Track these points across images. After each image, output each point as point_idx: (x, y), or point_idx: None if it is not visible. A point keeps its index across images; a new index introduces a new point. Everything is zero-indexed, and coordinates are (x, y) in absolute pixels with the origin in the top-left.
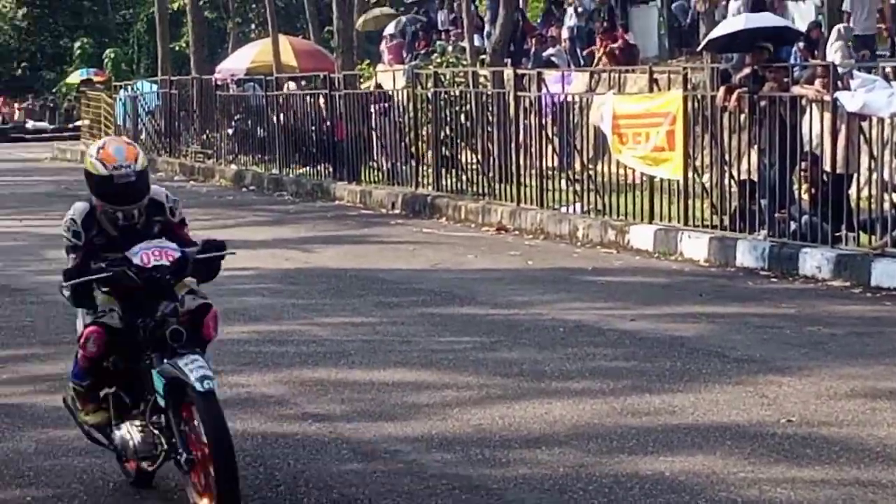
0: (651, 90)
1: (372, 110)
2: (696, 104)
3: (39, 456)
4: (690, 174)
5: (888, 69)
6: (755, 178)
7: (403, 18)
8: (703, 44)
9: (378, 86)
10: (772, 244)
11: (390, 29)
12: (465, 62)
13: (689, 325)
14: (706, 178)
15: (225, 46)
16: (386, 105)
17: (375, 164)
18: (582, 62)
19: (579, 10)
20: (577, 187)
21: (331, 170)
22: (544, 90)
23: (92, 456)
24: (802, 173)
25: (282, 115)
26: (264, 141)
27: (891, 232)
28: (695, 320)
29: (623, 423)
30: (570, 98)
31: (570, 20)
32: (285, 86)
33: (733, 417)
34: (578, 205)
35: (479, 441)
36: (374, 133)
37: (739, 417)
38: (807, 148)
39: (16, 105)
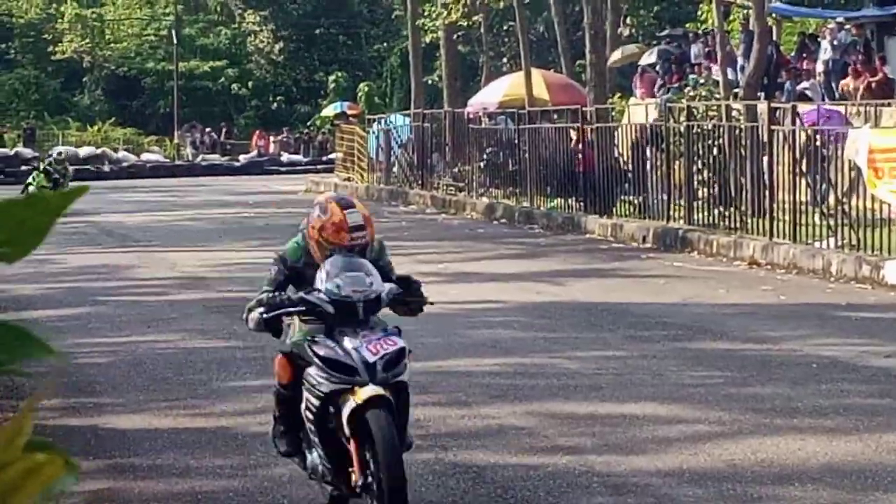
0: None
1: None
2: None
3: (293, 484)
4: None
5: None
6: None
7: (656, 50)
8: None
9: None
10: None
11: (644, 61)
12: (718, 95)
13: None
14: None
15: (477, 80)
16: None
17: (627, 198)
18: (836, 96)
19: (834, 42)
20: (831, 222)
21: (582, 203)
22: (799, 124)
23: None
24: None
25: (533, 148)
26: (515, 174)
27: None
28: None
29: (877, 460)
30: (825, 132)
31: (825, 53)
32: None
33: None
34: (832, 239)
35: (731, 476)
36: (626, 167)
37: None
38: None
39: (271, 138)
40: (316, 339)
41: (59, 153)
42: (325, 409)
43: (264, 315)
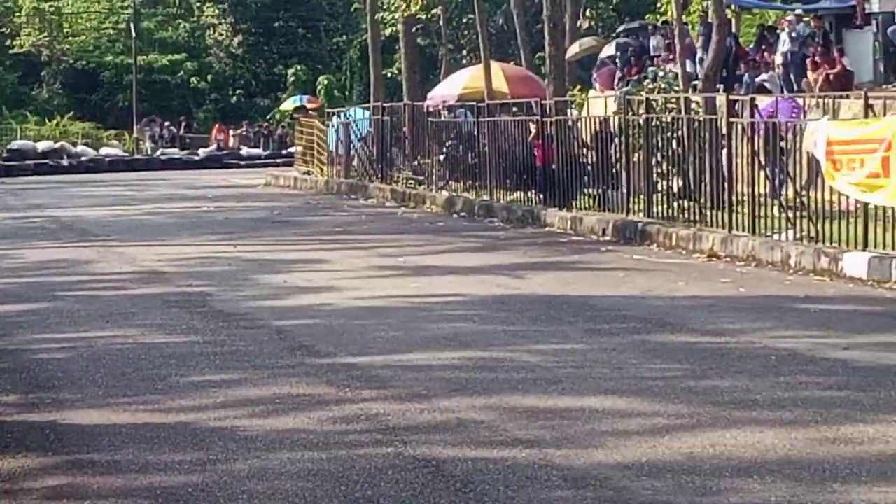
0: (866, 116)
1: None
2: None
3: (253, 479)
4: None
5: None
6: None
7: (615, 43)
8: None
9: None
10: None
11: (603, 53)
12: (677, 88)
13: None
14: None
15: (437, 73)
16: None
17: (586, 191)
18: (796, 88)
19: (793, 34)
20: (790, 214)
21: (542, 196)
22: (757, 116)
23: (305, 480)
24: None
25: (493, 141)
26: (475, 167)
27: None
28: None
29: (836, 452)
30: (782, 124)
31: (784, 45)
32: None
33: None
34: (791, 232)
35: (690, 469)
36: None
37: None
38: None
39: (230, 132)
40: None
41: None
42: None
43: None
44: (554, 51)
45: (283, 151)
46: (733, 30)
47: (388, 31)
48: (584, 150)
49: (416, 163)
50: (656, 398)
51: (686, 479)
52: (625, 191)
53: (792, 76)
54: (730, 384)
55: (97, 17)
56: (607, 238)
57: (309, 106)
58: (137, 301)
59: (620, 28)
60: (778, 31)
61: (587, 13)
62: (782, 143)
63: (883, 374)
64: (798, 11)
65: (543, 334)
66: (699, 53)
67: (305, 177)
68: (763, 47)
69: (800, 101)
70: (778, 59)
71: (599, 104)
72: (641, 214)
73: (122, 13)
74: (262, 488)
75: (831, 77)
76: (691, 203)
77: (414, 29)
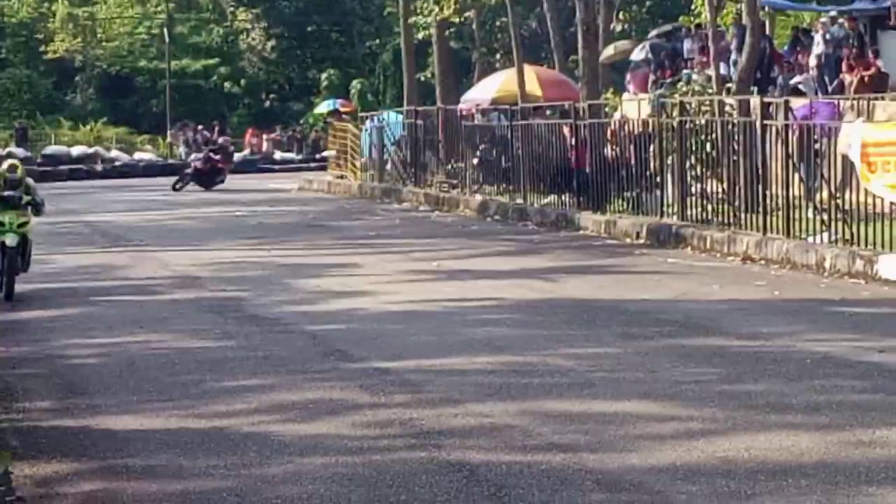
0: None
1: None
2: None
3: (286, 484)
4: None
5: None
6: None
7: (648, 45)
8: None
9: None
10: None
11: (636, 55)
12: (710, 90)
13: None
14: None
15: (470, 76)
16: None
17: (621, 194)
18: (830, 90)
19: (827, 36)
20: (825, 217)
21: (575, 200)
22: (791, 119)
23: (339, 484)
24: None
25: (526, 145)
26: (509, 171)
27: None
28: None
29: (871, 455)
30: (816, 126)
31: (818, 47)
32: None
33: None
34: (826, 234)
35: (725, 473)
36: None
37: None
38: None
39: (264, 136)
40: None
41: (13, 165)
42: None
43: None
44: (587, 54)
45: (317, 156)
46: (767, 32)
47: (421, 35)
48: (617, 152)
49: (449, 166)
50: (691, 402)
51: (721, 483)
52: (659, 194)
53: (826, 78)
54: (764, 388)
55: (130, 22)
56: (641, 241)
57: (342, 110)
58: (171, 306)
59: (653, 32)
60: (812, 33)
61: (620, 16)
62: (816, 146)
63: None
64: (832, 13)
65: (577, 338)
66: (733, 56)
67: (339, 181)
68: (797, 49)
69: (833, 101)
70: (812, 61)
71: (633, 107)
72: (675, 217)
73: (155, 18)
74: (296, 493)
75: (866, 79)
76: (725, 206)
77: (447, 32)
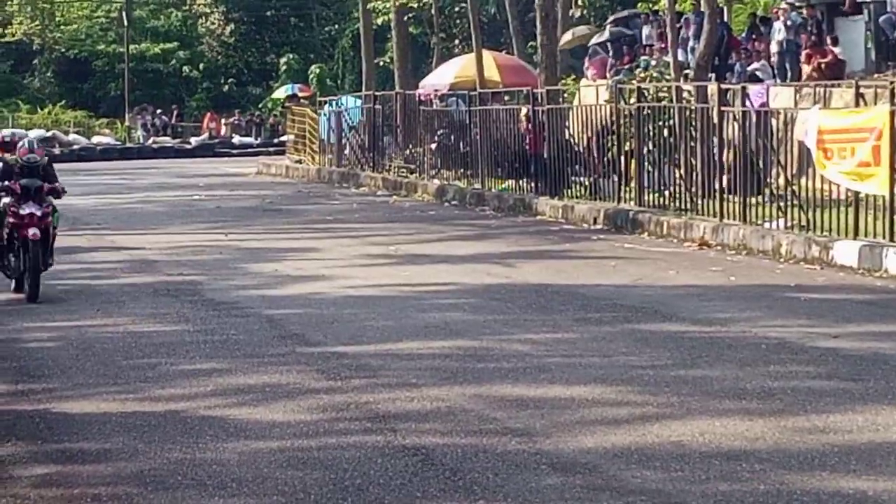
0: (857, 105)
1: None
2: None
3: (242, 467)
4: None
5: None
6: None
7: (607, 32)
8: None
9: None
10: None
11: (595, 40)
12: (668, 77)
13: (895, 343)
14: None
15: (429, 62)
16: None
17: (578, 179)
18: (790, 76)
19: (788, 23)
20: (781, 203)
21: (533, 185)
22: (748, 105)
23: (293, 468)
24: None
25: (484, 130)
26: (467, 156)
27: None
28: None
29: (825, 441)
30: (774, 112)
31: (779, 34)
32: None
33: None
34: (782, 220)
35: (679, 457)
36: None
37: None
38: None
39: (222, 120)
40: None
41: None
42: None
43: None
44: (545, 40)
45: (275, 140)
46: (725, 19)
47: (380, 20)
48: (575, 139)
49: (407, 151)
50: (646, 387)
51: (675, 467)
52: (616, 179)
53: (787, 65)
54: (719, 373)
55: (89, 5)
56: (598, 227)
57: (301, 94)
58: (128, 290)
59: (612, 17)
60: (772, 20)
61: (579, 2)
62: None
63: (872, 363)
64: (790, 0)
65: (534, 323)
66: (691, 42)
67: (297, 165)
68: (754, 36)
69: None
70: (773, 48)
71: (591, 93)
72: (633, 203)
73: (114, 2)
74: (252, 476)
75: (823, 66)
76: (682, 191)
77: (406, 18)
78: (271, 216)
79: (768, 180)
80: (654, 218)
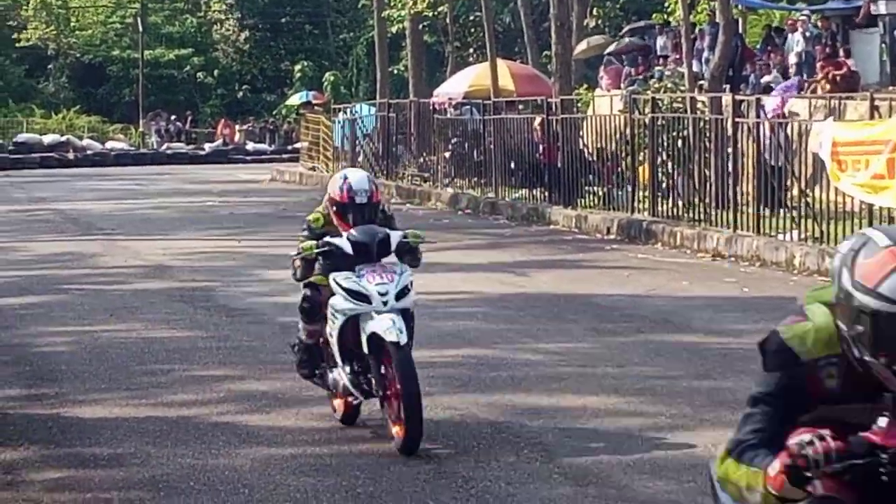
0: (872, 117)
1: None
2: None
3: (254, 473)
4: None
5: None
6: None
7: (623, 42)
8: None
9: None
10: None
11: (610, 49)
12: (683, 87)
13: None
14: None
15: (443, 70)
16: None
17: (592, 189)
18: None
19: (806, 34)
20: (795, 214)
21: (546, 194)
22: (762, 116)
23: (305, 475)
24: None
25: (498, 139)
26: (480, 164)
27: None
28: None
29: None
30: (788, 124)
31: (798, 45)
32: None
33: None
34: (795, 232)
35: (691, 468)
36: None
37: None
38: None
39: (236, 127)
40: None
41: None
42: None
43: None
44: (560, 49)
45: (289, 147)
46: (739, 30)
47: (394, 29)
48: (589, 149)
49: (421, 160)
50: (659, 397)
51: (687, 478)
52: (630, 189)
53: (805, 76)
54: (732, 384)
55: (104, 11)
56: (612, 237)
57: (315, 102)
58: (141, 295)
59: (627, 27)
60: (785, 32)
61: (594, 12)
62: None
63: None
64: (806, 12)
65: (547, 332)
66: (705, 53)
67: (311, 172)
68: (769, 47)
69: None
70: (792, 59)
71: (605, 103)
72: (646, 213)
73: (129, 7)
74: (264, 482)
75: (837, 78)
76: (696, 202)
77: (421, 26)
78: (285, 223)
79: (786, 193)
80: (668, 228)
